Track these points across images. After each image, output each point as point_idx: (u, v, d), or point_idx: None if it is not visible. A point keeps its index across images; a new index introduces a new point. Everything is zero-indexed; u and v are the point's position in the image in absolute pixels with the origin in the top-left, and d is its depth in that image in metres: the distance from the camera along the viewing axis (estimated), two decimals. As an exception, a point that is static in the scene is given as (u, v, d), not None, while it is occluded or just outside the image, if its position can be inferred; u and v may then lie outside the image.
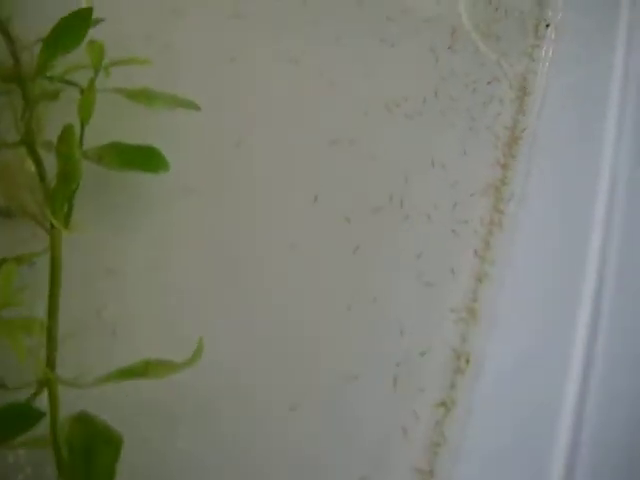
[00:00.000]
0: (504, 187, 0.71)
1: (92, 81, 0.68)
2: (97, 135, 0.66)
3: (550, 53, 0.79)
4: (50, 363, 0.58)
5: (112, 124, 0.70)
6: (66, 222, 0.62)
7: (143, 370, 0.57)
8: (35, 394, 0.57)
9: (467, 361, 0.63)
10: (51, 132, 0.64)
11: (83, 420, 0.56)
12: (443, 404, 0.62)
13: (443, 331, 0.65)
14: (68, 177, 0.61)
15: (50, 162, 0.62)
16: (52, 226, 0.61)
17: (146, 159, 0.66)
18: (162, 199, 0.69)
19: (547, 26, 0.81)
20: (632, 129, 0.68)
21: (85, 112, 0.66)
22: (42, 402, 0.56)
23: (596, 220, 0.64)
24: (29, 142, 0.64)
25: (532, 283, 0.65)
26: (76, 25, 0.68)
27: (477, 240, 0.68)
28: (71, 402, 0.57)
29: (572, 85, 0.74)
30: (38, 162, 0.63)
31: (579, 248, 0.63)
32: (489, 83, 0.77)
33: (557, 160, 0.70)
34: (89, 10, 0.69)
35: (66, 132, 0.63)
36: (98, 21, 0.72)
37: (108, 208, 0.69)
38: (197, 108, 0.70)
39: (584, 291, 0.62)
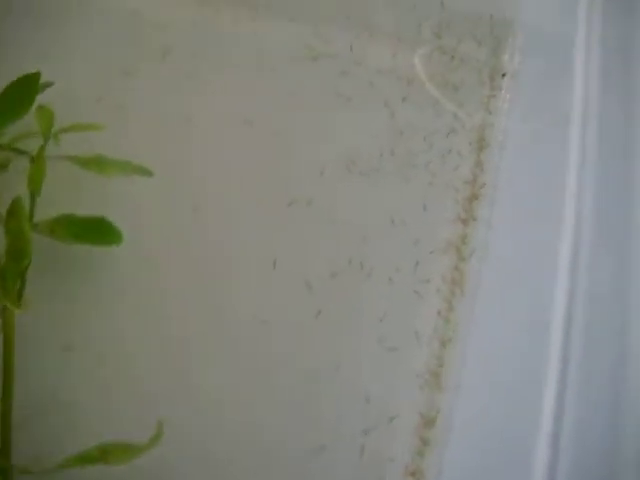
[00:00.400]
0: (465, 243, 0.70)
1: (42, 150, 0.66)
2: (48, 204, 0.65)
3: (507, 103, 0.78)
4: (5, 451, 0.56)
5: (64, 192, 0.69)
6: (18, 301, 0.60)
7: (101, 455, 0.56)
8: (-11, 484, 0.55)
9: (435, 427, 0.62)
10: (1, 203, 0.62)
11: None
12: (412, 473, 0.61)
13: (409, 397, 0.64)
14: (18, 254, 0.59)
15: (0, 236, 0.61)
16: (4, 306, 0.59)
17: (98, 232, 0.64)
18: (119, 269, 0.67)
19: (503, 75, 0.80)
20: (593, 177, 0.68)
21: (35, 183, 0.65)
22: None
23: (560, 276, 0.64)
24: (-22, 216, 0.62)
25: (497, 344, 0.64)
26: (24, 91, 0.67)
27: (440, 300, 0.67)
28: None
29: (531, 135, 0.74)
30: (-13, 241, 0.62)
31: (543, 305, 0.63)
32: (447, 135, 0.76)
33: (518, 214, 0.70)
34: (37, 75, 0.68)
35: (15, 206, 0.61)
36: (47, 85, 0.71)
37: (62, 281, 0.67)
38: (150, 174, 0.69)
39: (550, 350, 0.61)
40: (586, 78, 0.71)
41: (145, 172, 0.69)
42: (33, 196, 0.64)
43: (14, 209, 0.61)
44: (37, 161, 0.65)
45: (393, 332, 0.66)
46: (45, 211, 0.65)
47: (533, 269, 0.66)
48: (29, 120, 0.68)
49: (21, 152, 0.67)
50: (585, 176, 0.67)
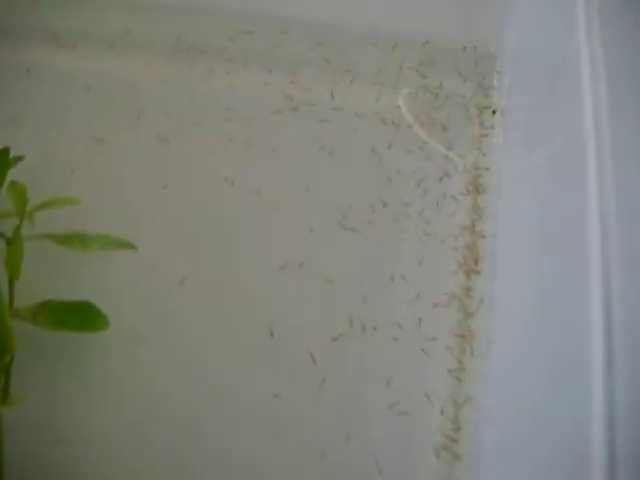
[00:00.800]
0: (470, 296, 0.67)
1: (17, 231, 0.64)
2: (29, 284, 0.62)
3: (500, 140, 0.75)
4: None
5: (44, 271, 0.66)
6: (4, 397, 0.58)
7: None
8: None
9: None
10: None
11: None
12: None
13: (425, 466, 0.60)
14: (1, 349, 0.56)
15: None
16: (-10, 404, 0.57)
17: (83, 318, 0.61)
18: (107, 351, 0.64)
19: (494, 112, 0.77)
20: (615, 214, 0.61)
21: (14, 267, 0.62)
22: None
23: (582, 326, 0.59)
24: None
25: (515, 400, 0.60)
26: (-7, 168, 0.65)
27: (449, 358, 0.64)
28: None
29: (530, 173, 0.70)
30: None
31: (563, 356, 0.59)
32: (440, 180, 0.73)
33: (524, 261, 0.66)
34: (6, 150, 0.65)
35: (-6, 298, 0.58)
36: (18, 159, 0.68)
37: (48, 367, 0.64)
38: (133, 248, 0.66)
39: (579, 405, 0.57)
40: (595, 104, 0.65)
41: (128, 246, 0.67)
42: (12, 281, 0.61)
43: (-7, 301, 0.58)
44: (14, 243, 0.63)
45: (403, 396, 0.63)
46: (25, 291, 0.62)
47: (546, 320, 0.62)
48: (1, 198, 0.65)
49: (-3, 234, 0.64)
50: (605, 213, 0.60)
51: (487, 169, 0.74)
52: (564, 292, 0.59)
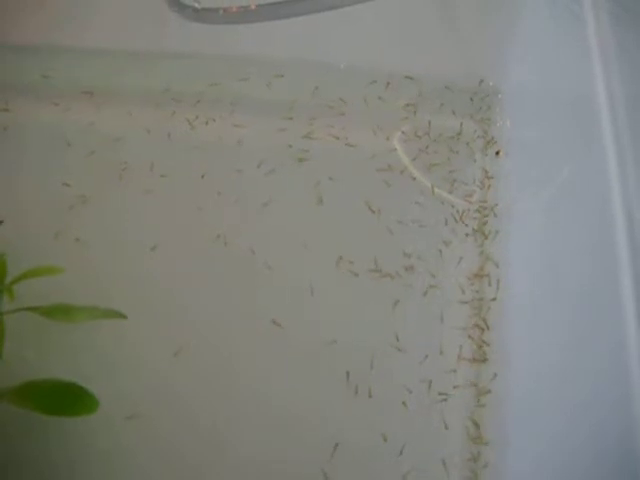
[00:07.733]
0: (482, 350, 0.65)
1: (-4, 306, 0.62)
2: (14, 361, 0.62)
3: (505, 183, 0.74)
4: None
5: (30, 346, 0.65)
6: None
7: None
8: None
9: None
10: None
11: None
12: None
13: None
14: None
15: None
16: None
17: (70, 400, 0.59)
18: (97, 431, 0.63)
19: (497, 153, 0.76)
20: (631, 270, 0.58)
21: (-7, 345, 0.60)
22: None
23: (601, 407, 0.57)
24: None
25: (538, 461, 0.59)
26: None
27: (464, 418, 0.63)
28: None
29: (541, 214, 0.69)
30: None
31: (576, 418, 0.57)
32: (442, 226, 0.72)
33: (537, 302, 0.65)
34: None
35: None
36: (-3, 224, 0.67)
37: (33, 456, 0.62)
38: (123, 317, 0.65)
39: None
40: (615, 138, 0.62)
41: (116, 315, 0.65)
42: (-7, 361, 0.60)
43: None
44: (-7, 318, 0.61)
45: (416, 465, 0.61)
46: (10, 368, 0.61)
47: (558, 377, 0.60)
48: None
49: (-25, 310, 0.63)
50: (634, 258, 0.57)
51: (493, 209, 0.72)
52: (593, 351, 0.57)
